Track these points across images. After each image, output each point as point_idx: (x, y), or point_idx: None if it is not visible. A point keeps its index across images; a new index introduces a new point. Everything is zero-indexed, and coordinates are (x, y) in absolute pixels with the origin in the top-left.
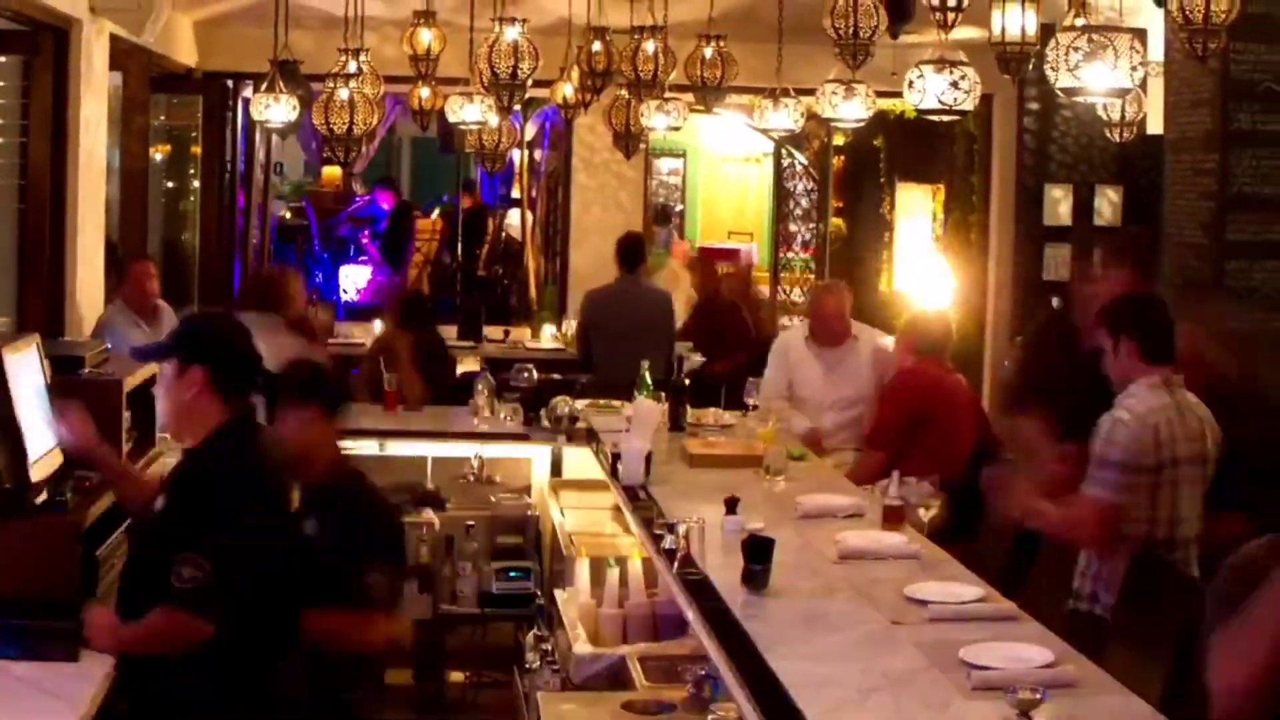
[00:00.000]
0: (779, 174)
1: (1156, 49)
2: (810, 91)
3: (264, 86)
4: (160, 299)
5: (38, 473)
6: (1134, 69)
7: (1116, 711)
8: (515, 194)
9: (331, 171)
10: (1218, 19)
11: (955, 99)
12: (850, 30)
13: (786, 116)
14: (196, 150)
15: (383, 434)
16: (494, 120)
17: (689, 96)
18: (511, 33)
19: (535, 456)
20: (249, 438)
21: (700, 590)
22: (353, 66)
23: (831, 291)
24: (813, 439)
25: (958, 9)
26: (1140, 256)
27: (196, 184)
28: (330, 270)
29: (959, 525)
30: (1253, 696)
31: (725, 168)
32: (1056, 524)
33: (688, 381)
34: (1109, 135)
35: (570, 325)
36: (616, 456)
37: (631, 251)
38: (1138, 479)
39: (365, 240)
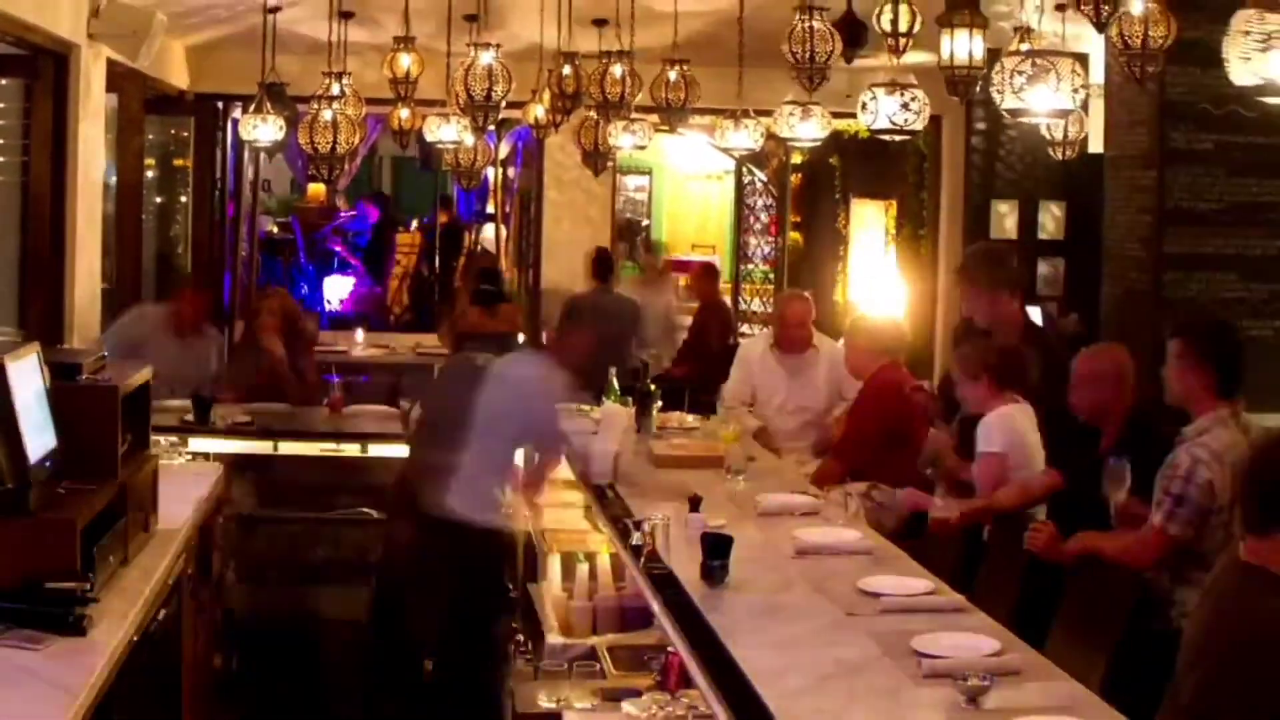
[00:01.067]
0: (740, 190)
1: (1097, 72)
2: (769, 112)
3: (252, 108)
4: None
5: (37, 474)
6: (1075, 91)
7: (1059, 696)
8: (490, 209)
9: (316, 188)
10: (1155, 44)
11: (906, 120)
12: (807, 55)
13: (747, 136)
14: (186, 163)
15: (366, 437)
16: (469, 140)
17: (654, 117)
18: (486, 57)
19: None
20: None
21: (665, 584)
22: (336, 89)
23: (796, 300)
24: (763, 437)
25: (908, 35)
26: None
27: (185, 199)
28: (315, 282)
29: (911, 527)
30: None
31: (689, 184)
32: (1114, 554)
33: (654, 386)
34: (1052, 153)
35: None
36: (586, 459)
37: (604, 264)
38: (1217, 518)
39: (346, 253)
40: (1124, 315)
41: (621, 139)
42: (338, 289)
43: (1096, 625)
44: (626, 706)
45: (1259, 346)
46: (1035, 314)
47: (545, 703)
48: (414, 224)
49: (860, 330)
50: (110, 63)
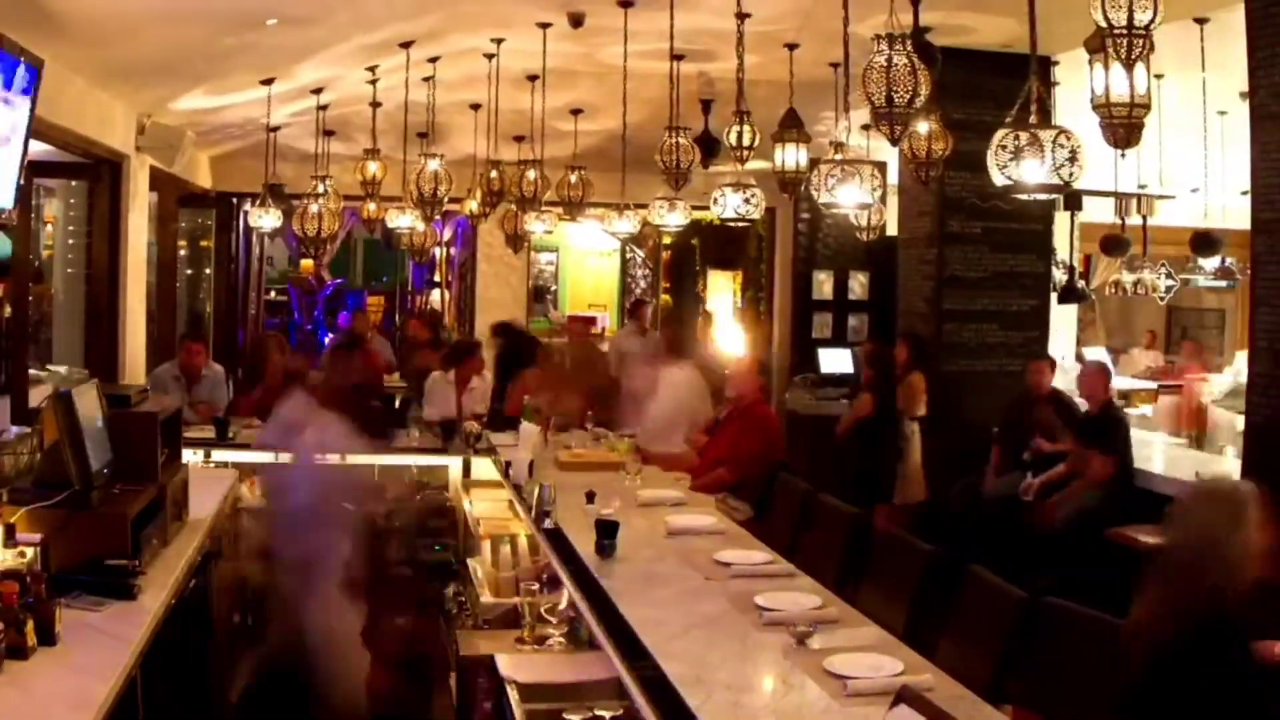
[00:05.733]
0: (624, 263)
1: (893, 175)
2: (645, 205)
3: (258, 202)
4: (210, 363)
5: (98, 479)
6: (875, 189)
7: (865, 637)
8: (436, 278)
9: (306, 263)
10: (936, 155)
11: (748, 210)
12: (674, 162)
13: (629, 223)
14: (209, 244)
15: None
16: (421, 226)
17: (559, 209)
18: (433, 164)
19: (452, 464)
20: None
21: (569, 557)
22: (321, 188)
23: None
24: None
25: (750, 147)
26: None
27: (209, 271)
28: (306, 334)
29: (757, 515)
30: None
31: (586, 259)
32: None
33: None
34: (859, 235)
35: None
36: (508, 464)
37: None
38: None
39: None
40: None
41: (535, 225)
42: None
43: (897, 584)
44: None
45: (1014, 378)
46: (846, 357)
47: (482, 648)
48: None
49: (745, 370)
50: (152, 168)
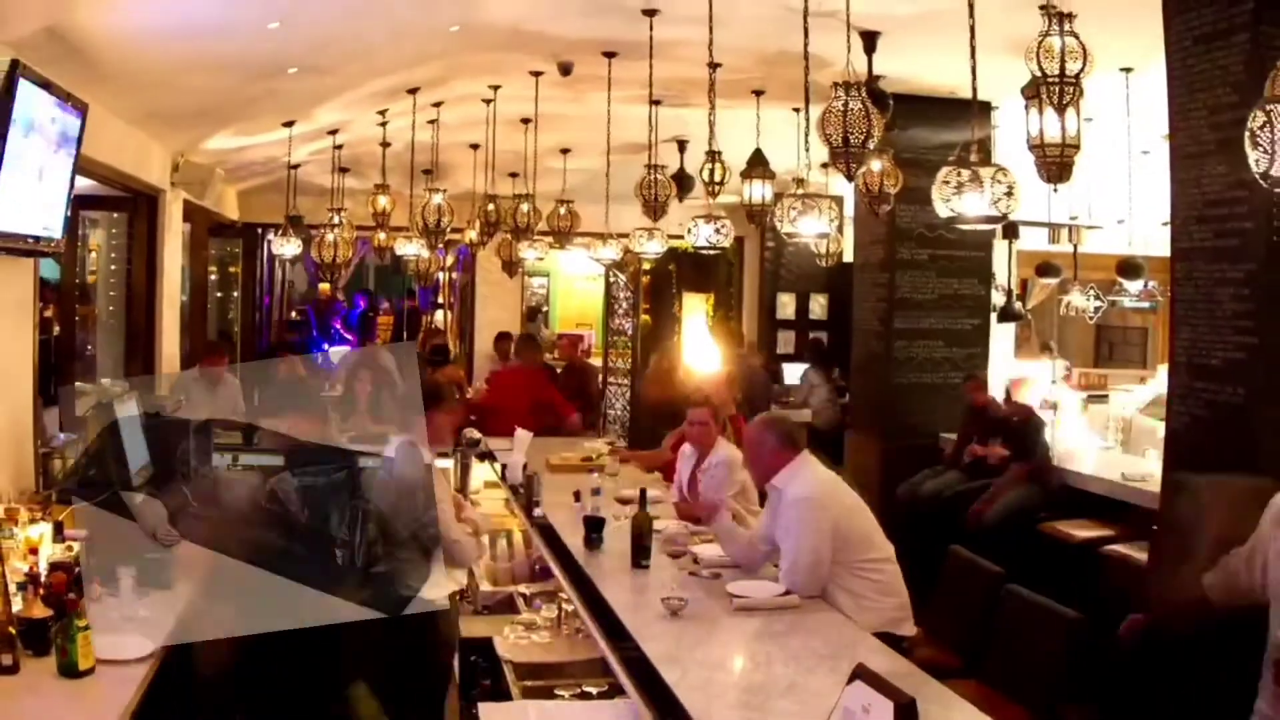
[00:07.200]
0: (608, 287)
1: (849, 207)
2: (627, 235)
3: (280, 232)
4: (228, 373)
5: (136, 479)
6: (832, 220)
7: (827, 621)
8: (440, 300)
9: (324, 286)
10: (888, 190)
11: (718, 240)
12: (653, 196)
13: (612, 250)
14: (236, 270)
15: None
16: (426, 253)
17: (550, 238)
18: (437, 198)
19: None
20: None
21: (559, 549)
22: (336, 219)
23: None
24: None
25: (721, 183)
26: None
27: (236, 294)
28: (322, 349)
29: None
30: None
31: (574, 283)
32: None
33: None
34: (819, 261)
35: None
36: (504, 466)
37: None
38: None
39: (343, 329)
40: (868, 369)
41: (528, 253)
42: (337, 352)
43: None
44: (536, 629)
45: (958, 390)
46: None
47: (482, 631)
48: (385, 305)
49: (718, 382)
50: (185, 202)
